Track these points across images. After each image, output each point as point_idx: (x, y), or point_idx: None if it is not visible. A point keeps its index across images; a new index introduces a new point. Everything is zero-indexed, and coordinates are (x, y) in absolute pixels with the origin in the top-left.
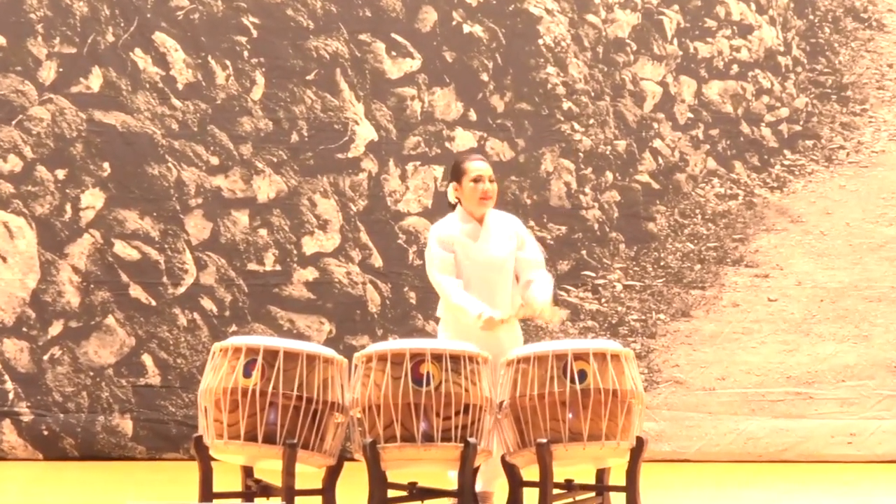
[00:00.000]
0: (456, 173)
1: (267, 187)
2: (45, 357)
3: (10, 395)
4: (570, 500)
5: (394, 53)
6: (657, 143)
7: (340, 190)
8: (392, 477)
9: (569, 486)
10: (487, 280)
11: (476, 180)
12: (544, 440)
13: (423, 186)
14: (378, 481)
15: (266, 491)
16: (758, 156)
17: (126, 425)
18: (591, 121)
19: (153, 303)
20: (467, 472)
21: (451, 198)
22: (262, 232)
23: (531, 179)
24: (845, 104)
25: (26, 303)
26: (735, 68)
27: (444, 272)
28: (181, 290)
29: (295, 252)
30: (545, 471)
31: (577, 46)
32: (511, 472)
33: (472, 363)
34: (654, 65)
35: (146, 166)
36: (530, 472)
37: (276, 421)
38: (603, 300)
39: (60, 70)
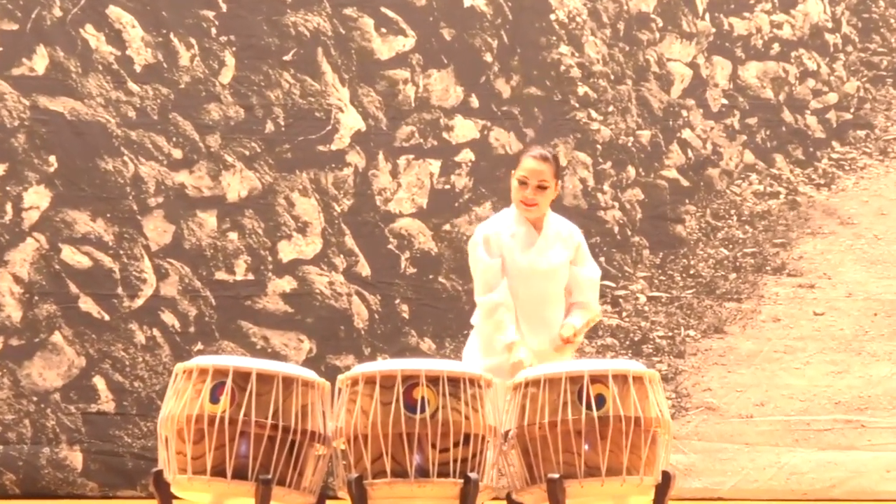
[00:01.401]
0: (517, 163)
1: (238, 184)
2: None
3: None
4: None
5: (384, 30)
6: (686, 134)
7: (322, 187)
8: None
9: None
10: (538, 292)
11: (522, 182)
12: (556, 475)
13: (418, 183)
14: None
15: None
16: (802, 148)
17: (75, 458)
18: (611, 108)
19: (106, 317)
20: None
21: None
22: (233, 236)
23: None
24: None
25: None
26: (776, 48)
27: (486, 283)
28: (139, 302)
29: (270, 259)
30: None
31: (595, 22)
32: None
33: (473, 387)
34: (682, 43)
35: (98, 160)
36: None
37: (248, 453)
38: (624, 314)
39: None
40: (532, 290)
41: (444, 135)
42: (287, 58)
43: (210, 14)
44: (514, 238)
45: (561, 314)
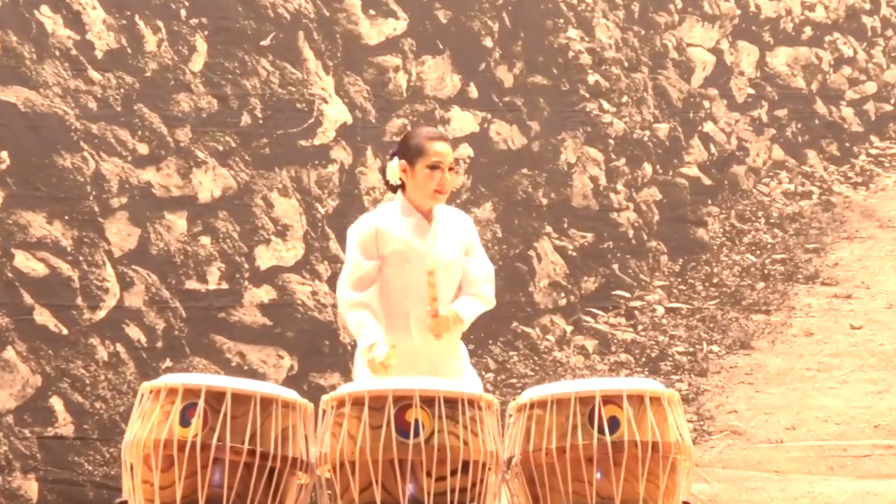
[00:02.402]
0: (409, 151)
1: (210, 183)
2: None
3: None
4: None
5: (372, 12)
6: (709, 127)
7: (304, 187)
8: None
9: None
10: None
11: (434, 167)
12: None
13: None
14: None
15: None
16: (837, 143)
17: (30, 487)
18: (625, 98)
19: (64, 331)
20: None
21: (394, 178)
22: (205, 240)
23: (548, 173)
24: None
25: None
26: (808, 31)
27: (355, 282)
28: (100, 314)
29: (246, 266)
30: None
31: (607, 3)
32: None
33: (472, 408)
34: (704, 27)
35: (55, 156)
36: None
37: (223, 482)
38: (640, 328)
39: None
40: (422, 284)
41: (440, 128)
42: (265, 43)
43: None
44: (407, 230)
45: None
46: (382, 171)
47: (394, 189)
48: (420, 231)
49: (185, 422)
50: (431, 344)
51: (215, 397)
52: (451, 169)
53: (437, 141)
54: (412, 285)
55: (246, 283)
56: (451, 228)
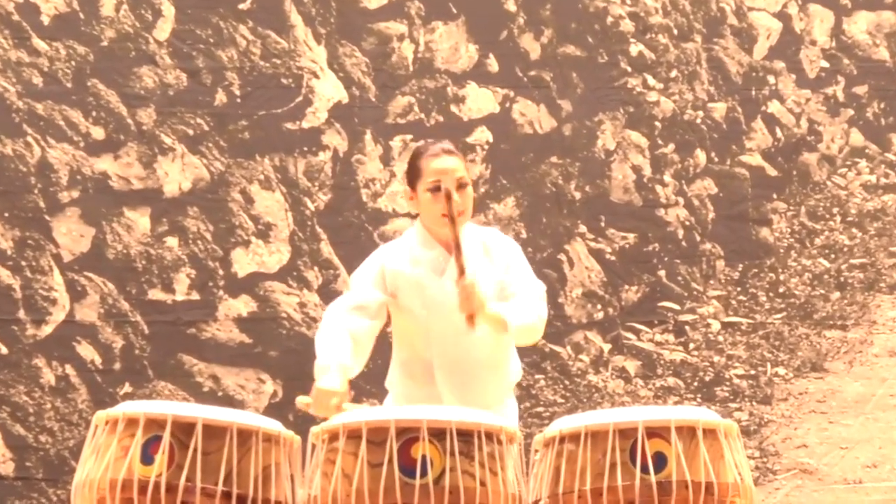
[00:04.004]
0: (410, 174)
1: (178, 174)
2: None
3: None
4: None
5: None
6: (774, 107)
7: (291, 178)
8: None
9: None
10: (460, 336)
11: (434, 188)
12: None
13: None
14: None
15: None
16: None
17: None
18: (674, 73)
19: (3, 350)
20: None
21: (409, 206)
22: (171, 242)
23: (582, 162)
24: None
25: None
26: None
27: (357, 306)
28: (46, 330)
29: (221, 273)
30: None
31: None
32: None
33: (491, 443)
34: None
35: None
36: None
37: None
38: (691, 346)
39: None
40: (451, 339)
41: (453, 108)
42: (244, 6)
43: None
44: (421, 266)
45: (495, 372)
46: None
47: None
48: (438, 266)
49: (147, 459)
50: (461, 396)
51: (183, 429)
52: (461, 187)
53: (438, 157)
54: (431, 333)
55: (221, 292)
56: (481, 256)
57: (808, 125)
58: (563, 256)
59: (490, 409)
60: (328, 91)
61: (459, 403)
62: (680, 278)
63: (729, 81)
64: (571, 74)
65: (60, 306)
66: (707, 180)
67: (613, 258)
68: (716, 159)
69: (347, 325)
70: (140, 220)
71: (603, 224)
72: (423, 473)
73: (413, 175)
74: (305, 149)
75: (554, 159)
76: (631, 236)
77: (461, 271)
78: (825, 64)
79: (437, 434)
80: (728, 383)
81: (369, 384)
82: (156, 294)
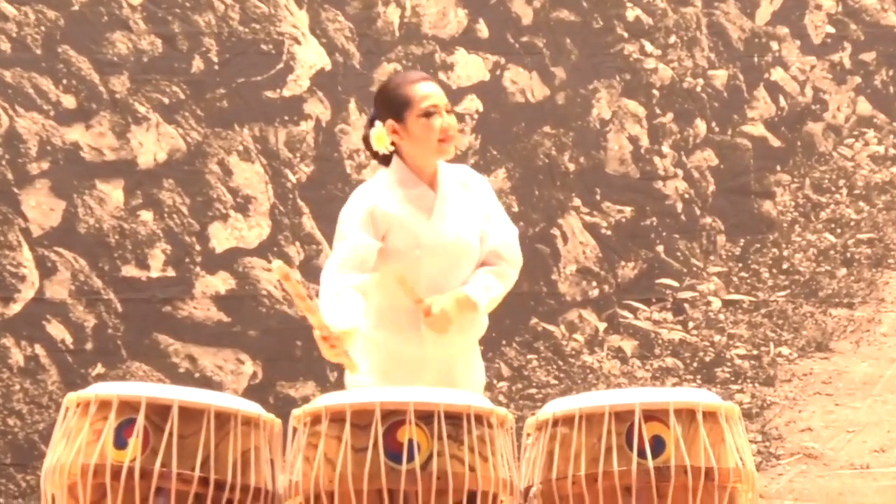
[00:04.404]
0: (392, 107)
1: (153, 145)
2: None
3: None
4: None
5: None
6: (777, 75)
7: (271, 149)
8: None
9: None
10: (450, 276)
11: (429, 113)
12: None
13: None
14: None
15: None
16: None
17: None
18: (672, 38)
19: None
20: None
21: (382, 146)
22: (146, 216)
23: (576, 132)
24: None
25: None
26: None
27: (356, 264)
28: (15, 308)
29: (198, 248)
30: None
31: None
32: None
33: (481, 426)
34: None
35: None
36: None
37: None
38: (691, 325)
39: None
40: (443, 275)
41: (441, 75)
42: None
43: None
44: (408, 205)
45: (474, 316)
46: (365, 140)
47: (384, 160)
48: (425, 205)
49: (120, 443)
50: (445, 349)
51: (158, 412)
52: (449, 112)
53: (421, 82)
54: (422, 274)
55: (197, 269)
56: (463, 194)
57: (812, 93)
58: (556, 231)
59: (467, 352)
60: (310, 58)
61: (442, 348)
62: (679, 254)
63: (730, 48)
64: (565, 40)
65: (29, 283)
66: (707, 151)
67: (609, 233)
68: (716, 129)
69: (360, 285)
70: (113, 192)
71: (598, 197)
72: (410, 458)
73: (399, 105)
74: (286, 118)
75: (547, 129)
76: (627, 210)
77: (426, 307)
78: (831, 29)
79: (425, 417)
80: (729, 364)
81: None
82: (129, 270)
